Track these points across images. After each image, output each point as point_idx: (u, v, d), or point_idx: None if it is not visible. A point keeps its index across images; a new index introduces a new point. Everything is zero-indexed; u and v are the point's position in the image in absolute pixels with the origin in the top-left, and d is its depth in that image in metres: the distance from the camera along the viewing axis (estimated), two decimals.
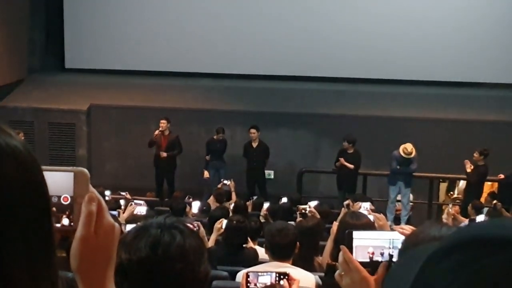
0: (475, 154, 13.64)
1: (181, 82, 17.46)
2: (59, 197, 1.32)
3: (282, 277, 4.17)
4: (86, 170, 1.34)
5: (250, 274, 4.19)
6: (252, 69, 17.70)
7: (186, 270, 1.94)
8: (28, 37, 17.93)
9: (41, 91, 16.95)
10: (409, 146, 13.49)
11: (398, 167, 13.62)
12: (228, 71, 17.76)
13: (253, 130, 15.03)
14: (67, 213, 1.32)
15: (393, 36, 17.39)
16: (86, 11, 18.16)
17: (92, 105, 16.55)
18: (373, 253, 2.33)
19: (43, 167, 1.32)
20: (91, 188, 1.33)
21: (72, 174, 1.33)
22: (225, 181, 13.45)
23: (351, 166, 14.05)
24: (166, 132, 14.91)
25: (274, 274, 4.16)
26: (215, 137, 15.20)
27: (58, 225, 1.32)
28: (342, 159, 14.16)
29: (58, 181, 1.32)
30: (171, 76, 17.75)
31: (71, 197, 1.32)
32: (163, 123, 14.82)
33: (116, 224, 1.31)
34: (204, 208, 11.28)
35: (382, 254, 2.34)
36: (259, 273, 4.17)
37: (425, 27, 17.32)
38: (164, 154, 14.75)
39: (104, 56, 18.19)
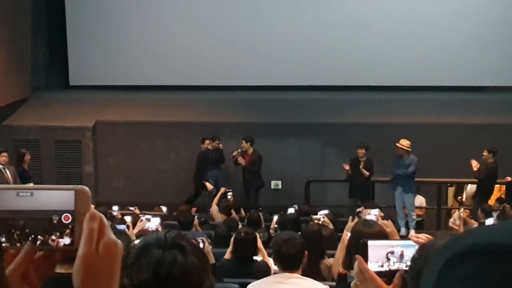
0: (484, 153, 13.74)
1: (186, 95, 17.46)
2: (60, 216, 1.28)
3: None
4: (87, 188, 1.31)
5: None
6: (256, 81, 17.69)
7: None
8: (32, 55, 17.95)
9: (46, 109, 16.95)
10: (405, 140, 13.50)
11: (397, 170, 13.61)
12: (233, 83, 17.76)
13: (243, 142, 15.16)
14: (68, 232, 1.29)
15: (395, 43, 17.41)
16: (89, 28, 18.19)
17: (98, 121, 16.53)
18: (392, 252, 2.30)
19: (44, 185, 1.29)
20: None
21: (73, 192, 1.30)
22: (229, 193, 13.43)
23: (367, 173, 14.00)
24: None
25: None
26: (209, 147, 15.16)
27: (61, 244, 1.29)
28: (361, 168, 14.07)
29: (59, 200, 1.29)
30: (176, 90, 17.76)
31: (72, 215, 1.29)
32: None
33: (119, 241, 1.28)
34: (203, 220, 11.23)
35: (393, 253, 2.31)
36: None
37: (426, 33, 17.35)
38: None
39: (108, 72, 18.21)
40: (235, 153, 14.89)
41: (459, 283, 0.85)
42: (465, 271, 0.85)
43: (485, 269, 0.83)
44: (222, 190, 13.58)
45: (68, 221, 1.29)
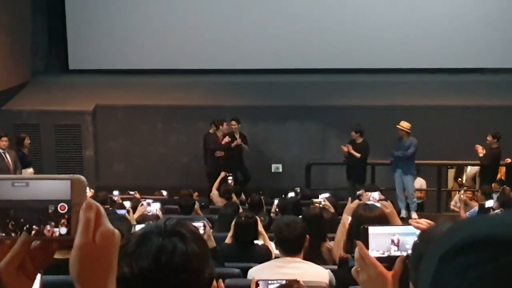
0: (488, 138, 13.71)
1: (186, 79, 17.43)
2: (56, 205, 1.27)
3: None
4: (83, 177, 1.30)
5: (260, 282, 4.13)
6: (256, 64, 17.66)
7: (190, 279, 1.89)
8: (31, 39, 17.92)
9: (45, 93, 16.94)
10: (405, 122, 13.48)
11: (396, 152, 13.60)
12: (233, 66, 17.72)
13: (233, 122, 15.00)
14: (64, 222, 1.27)
15: (395, 26, 17.37)
16: (89, 11, 18.14)
17: (98, 105, 16.52)
18: (397, 242, 2.30)
19: (39, 175, 1.28)
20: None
21: (69, 182, 1.28)
22: (229, 178, 13.40)
23: (357, 154, 13.97)
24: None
25: (284, 282, 4.10)
26: (211, 130, 15.07)
27: (57, 234, 1.28)
28: (349, 146, 14.05)
29: (55, 190, 1.28)
30: (176, 73, 17.73)
31: (68, 205, 1.27)
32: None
33: (116, 231, 1.26)
34: (203, 204, 11.25)
35: (393, 241, 2.30)
36: (269, 282, 4.11)
37: (425, 14, 17.32)
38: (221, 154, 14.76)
39: (108, 56, 18.17)
40: (226, 139, 14.77)
41: (459, 275, 0.84)
42: (465, 263, 0.84)
43: (485, 260, 0.82)
44: (222, 174, 13.55)
45: (64, 211, 1.28)
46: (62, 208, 1.28)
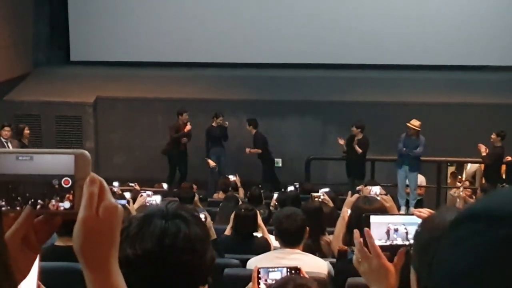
0: (492, 136, 13.67)
1: (187, 72, 17.45)
2: (60, 180, 1.28)
3: (293, 272, 4.12)
4: (87, 152, 1.31)
5: (261, 270, 4.13)
6: (257, 58, 17.65)
7: (193, 261, 1.90)
8: (33, 30, 17.91)
9: (47, 84, 16.94)
10: (416, 121, 13.49)
11: (404, 149, 13.59)
12: (234, 60, 17.72)
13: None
14: (68, 196, 1.28)
15: (398, 22, 17.35)
16: (91, 3, 18.14)
17: (99, 97, 16.53)
18: (389, 230, 2.30)
19: (44, 150, 1.29)
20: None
21: (73, 156, 1.29)
22: (231, 176, 13.34)
23: (359, 149, 14.01)
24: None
25: (285, 270, 4.11)
26: (213, 123, 15.15)
27: (61, 208, 1.28)
28: (343, 140, 14.21)
29: (59, 164, 1.28)
30: (177, 66, 17.75)
31: (72, 180, 1.28)
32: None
33: (119, 205, 1.27)
34: (201, 196, 11.27)
35: (396, 230, 2.31)
36: (270, 269, 4.12)
37: (429, 11, 17.29)
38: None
39: (109, 48, 18.18)
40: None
41: (452, 247, 0.87)
42: (459, 235, 0.87)
43: (477, 233, 0.84)
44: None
45: (68, 185, 1.28)
46: (66, 182, 1.28)
